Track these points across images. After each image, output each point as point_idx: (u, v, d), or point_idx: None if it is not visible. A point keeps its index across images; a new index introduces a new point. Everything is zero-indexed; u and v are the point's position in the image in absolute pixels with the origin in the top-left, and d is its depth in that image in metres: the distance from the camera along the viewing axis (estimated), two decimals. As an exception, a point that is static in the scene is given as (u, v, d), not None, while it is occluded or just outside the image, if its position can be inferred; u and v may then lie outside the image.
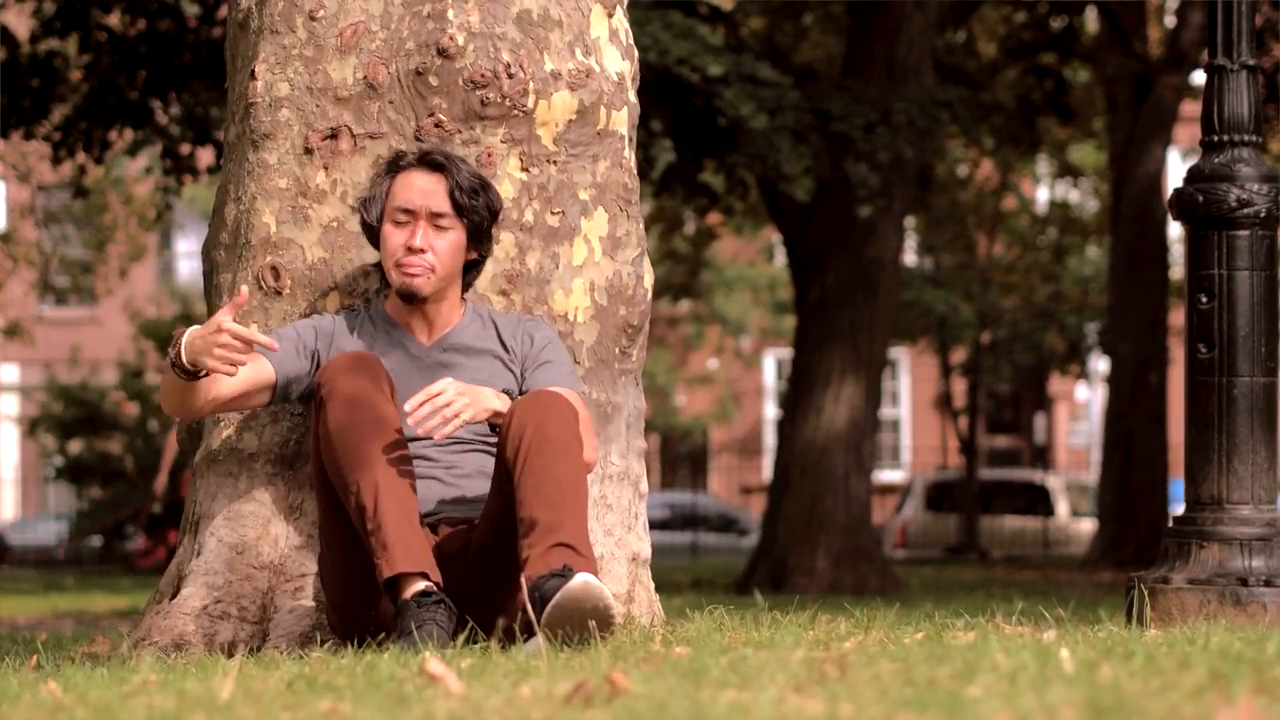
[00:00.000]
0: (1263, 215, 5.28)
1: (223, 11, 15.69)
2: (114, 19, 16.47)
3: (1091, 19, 23.80)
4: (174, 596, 4.88)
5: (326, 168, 4.90)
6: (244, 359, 4.44)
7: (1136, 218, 21.32)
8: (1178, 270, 25.03)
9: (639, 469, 5.14)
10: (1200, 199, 5.30)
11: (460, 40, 4.87)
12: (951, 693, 3.00)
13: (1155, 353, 21.31)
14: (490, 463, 4.63)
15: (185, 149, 16.80)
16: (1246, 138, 5.35)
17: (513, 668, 3.63)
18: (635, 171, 5.18)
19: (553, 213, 4.97)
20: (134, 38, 16.21)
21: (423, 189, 4.68)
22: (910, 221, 26.28)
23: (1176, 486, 15.49)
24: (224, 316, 4.42)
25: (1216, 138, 5.37)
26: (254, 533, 4.83)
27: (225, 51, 5.22)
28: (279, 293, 4.89)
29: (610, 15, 5.11)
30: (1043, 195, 33.96)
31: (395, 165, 4.74)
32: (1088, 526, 27.18)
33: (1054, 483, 29.71)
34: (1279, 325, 5.37)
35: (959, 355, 31.61)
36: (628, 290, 5.07)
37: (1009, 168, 28.65)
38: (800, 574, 16.54)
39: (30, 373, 36.55)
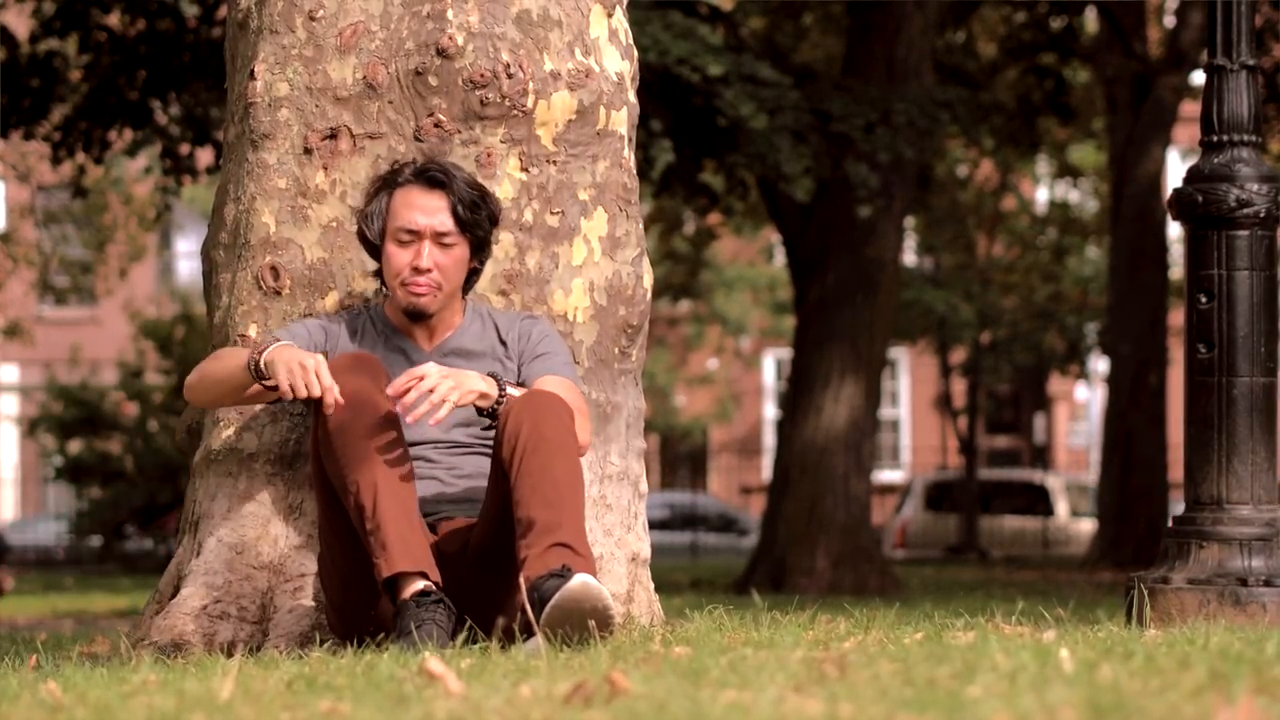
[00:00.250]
0: (1262, 215, 5.28)
1: (222, 11, 15.69)
2: (114, 19, 16.47)
3: (1091, 19, 23.80)
4: (173, 596, 4.88)
5: (326, 168, 4.90)
6: (307, 391, 4.42)
7: (1136, 218, 21.32)
8: (1177, 270, 25.02)
9: (638, 469, 5.13)
10: (1200, 199, 5.30)
11: (460, 40, 4.87)
12: (951, 693, 3.00)
13: (1155, 353, 21.31)
14: (489, 464, 4.63)
15: (185, 149, 16.80)
16: (1246, 138, 5.35)
17: (512, 668, 3.63)
18: (635, 171, 5.18)
19: (552, 213, 4.97)
20: (134, 38, 16.21)
21: (425, 208, 4.66)
22: (910, 222, 26.28)
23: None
24: (325, 371, 4.41)
25: (1216, 138, 5.37)
26: (253, 533, 4.83)
27: (225, 51, 5.22)
28: (278, 293, 4.89)
29: (610, 15, 5.11)
30: (1042, 195, 33.96)
31: (392, 180, 4.71)
32: (1087, 526, 27.18)
33: (1054, 483, 29.71)
34: (1279, 325, 5.36)
35: (959, 355, 31.61)
36: (627, 290, 5.07)
37: (1009, 168, 28.65)
38: (800, 574, 16.55)
39: (30, 373, 36.55)
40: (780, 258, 32.80)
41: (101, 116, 16.45)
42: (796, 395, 17.25)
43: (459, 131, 4.88)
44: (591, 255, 5.02)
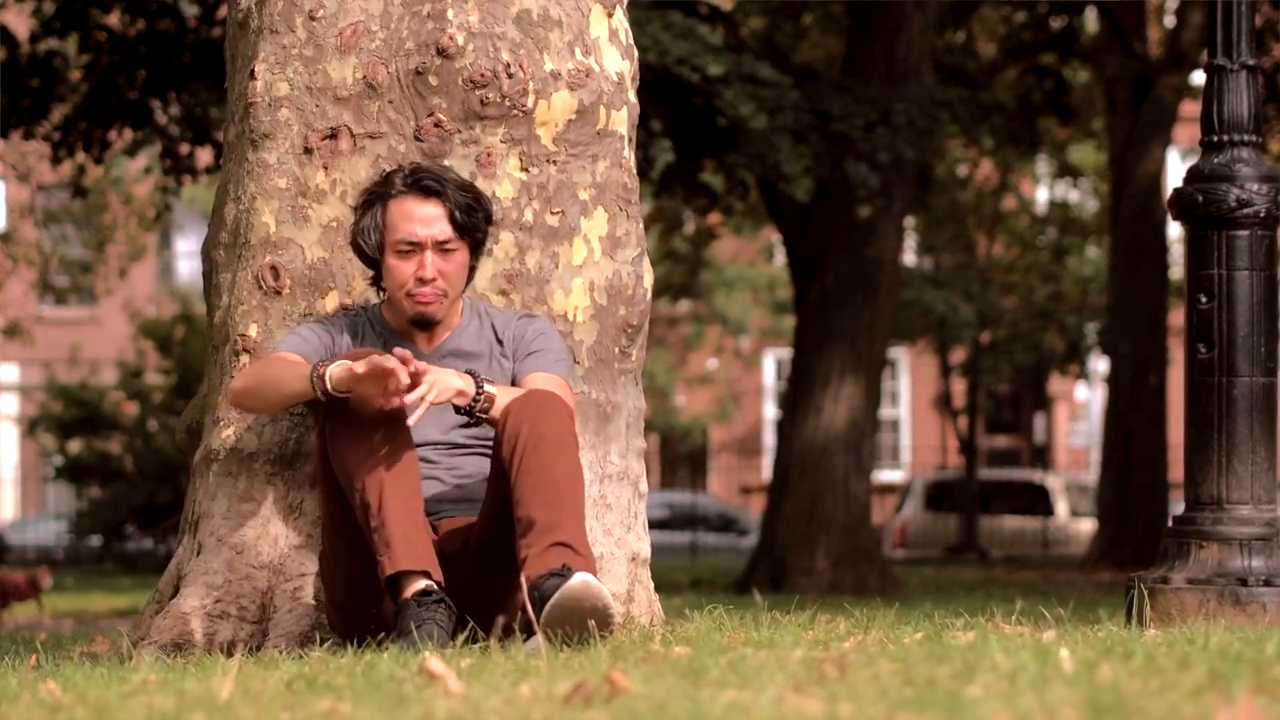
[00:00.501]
0: (1262, 215, 5.28)
1: (222, 11, 15.69)
2: (113, 19, 16.47)
3: (1091, 19, 23.80)
4: (173, 596, 4.88)
5: (326, 167, 4.90)
6: (401, 387, 4.41)
7: (1136, 218, 21.31)
8: (1177, 270, 25.03)
9: (638, 469, 5.13)
10: (1200, 199, 5.30)
11: (460, 40, 4.87)
12: (951, 693, 2.99)
13: (1155, 353, 21.31)
14: (489, 464, 4.63)
15: (185, 149, 16.80)
16: (1246, 138, 5.35)
17: (512, 667, 3.63)
18: (635, 171, 5.17)
19: (552, 212, 4.97)
20: (133, 38, 16.20)
21: (423, 219, 4.65)
22: (910, 221, 26.28)
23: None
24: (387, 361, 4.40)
25: (1216, 138, 5.36)
26: (253, 532, 4.83)
27: (225, 51, 5.22)
28: (278, 292, 4.89)
29: (610, 15, 5.11)
30: (1042, 195, 33.96)
31: (385, 191, 4.70)
32: (1087, 526, 27.18)
33: (1053, 483, 29.70)
34: (1279, 325, 5.36)
35: (959, 355, 31.61)
36: (627, 290, 5.07)
37: (1009, 168, 28.65)
38: (800, 574, 16.55)
39: (30, 372, 36.54)
40: (780, 257, 32.81)
41: (101, 116, 16.44)
42: (796, 395, 17.25)
43: (459, 131, 4.88)
44: (591, 255, 5.02)
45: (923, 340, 30.76)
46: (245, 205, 4.95)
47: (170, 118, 16.80)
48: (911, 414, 41.25)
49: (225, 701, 3.23)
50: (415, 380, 4.40)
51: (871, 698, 2.97)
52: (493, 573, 4.50)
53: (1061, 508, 29.03)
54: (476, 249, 4.73)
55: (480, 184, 4.86)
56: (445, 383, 4.46)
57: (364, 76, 4.88)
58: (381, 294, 4.80)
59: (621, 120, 5.08)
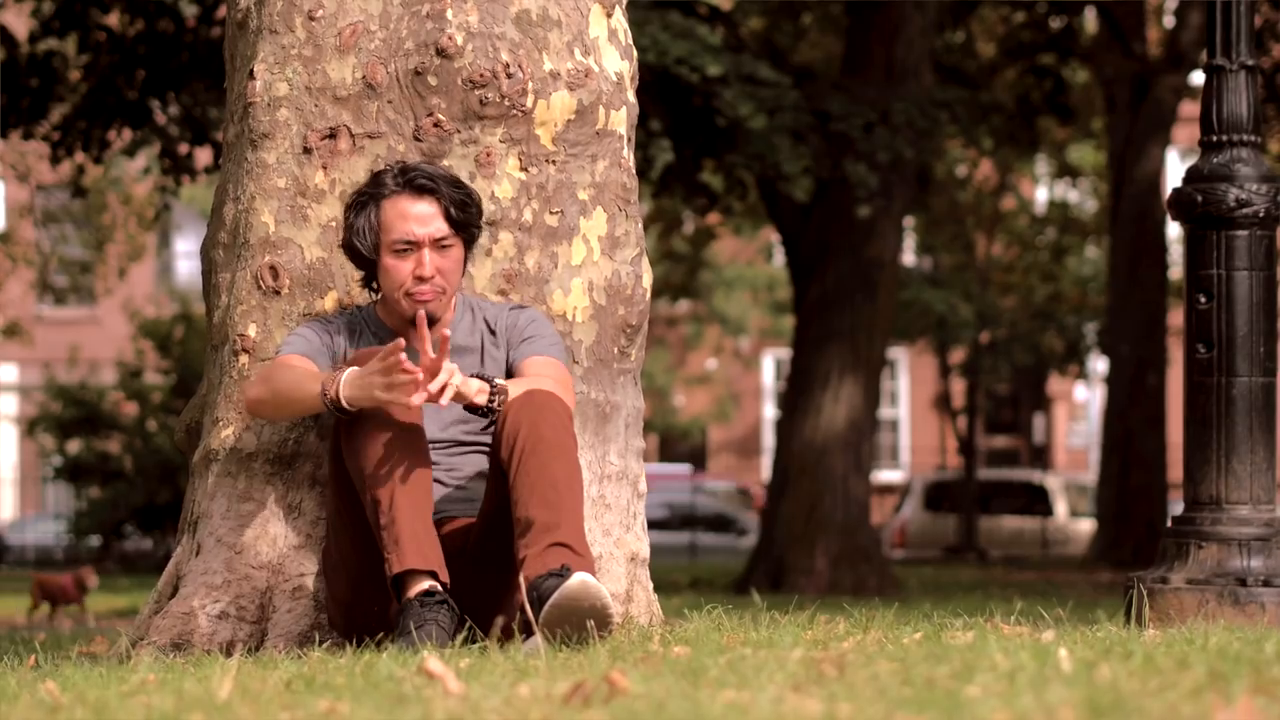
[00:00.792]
0: (1261, 215, 5.28)
1: (221, 11, 15.69)
2: (113, 19, 16.47)
3: (1090, 19, 23.81)
4: (172, 596, 4.88)
5: (325, 167, 4.90)
6: (417, 389, 4.41)
7: (1135, 218, 21.33)
8: (1176, 270, 25.04)
9: (637, 469, 5.13)
10: (1199, 199, 5.30)
11: (459, 40, 4.87)
12: (950, 692, 3.00)
13: (1154, 353, 21.32)
14: (488, 463, 4.63)
15: (184, 149, 16.81)
16: (1245, 138, 5.35)
17: (511, 667, 3.63)
18: (634, 171, 5.17)
19: (551, 212, 4.97)
20: (133, 38, 16.21)
21: (419, 217, 4.65)
22: (909, 222, 26.29)
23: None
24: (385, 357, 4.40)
25: (1215, 138, 5.37)
26: (252, 532, 4.83)
27: (224, 51, 5.22)
28: (278, 292, 4.89)
29: (609, 15, 5.11)
30: (1041, 195, 33.98)
31: (378, 191, 4.69)
32: (1086, 527, 27.19)
33: (1053, 483, 29.71)
34: (1277, 325, 5.37)
35: (958, 355, 31.62)
36: (626, 290, 5.07)
37: (1008, 168, 28.67)
38: (799, 574, 16.56)
39: (29, 372, 36.54)
40: (779, 257, 32.82)
41: (100, 116, 16.45)
42: (795, 395, 17.25)
43: (458, 131, 4.88)
44: (591, 255, 5.02)
45: (922, 340, 30.77)
46: (244, 205, 4.95)
47: (169, 118, 16.80)
48: (911, 414, 41.26)
49: (224, 701, 3.23)
50: (435, 368, 4.39)
51: (870, 697, 2.97)
52: (492, 573, 4.50)
53: (1061, 508, 29.03)
54: (470, 245, 4.74)
55: (479, 184, 4.86)
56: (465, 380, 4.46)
57: (363, 76, 4.88)
58: (374, 295, 4.80)
59: (621, 120, 5.08)
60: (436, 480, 4.65)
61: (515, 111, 4.90)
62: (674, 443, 41.67)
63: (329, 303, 4.88)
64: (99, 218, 27.33)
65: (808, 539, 16.73)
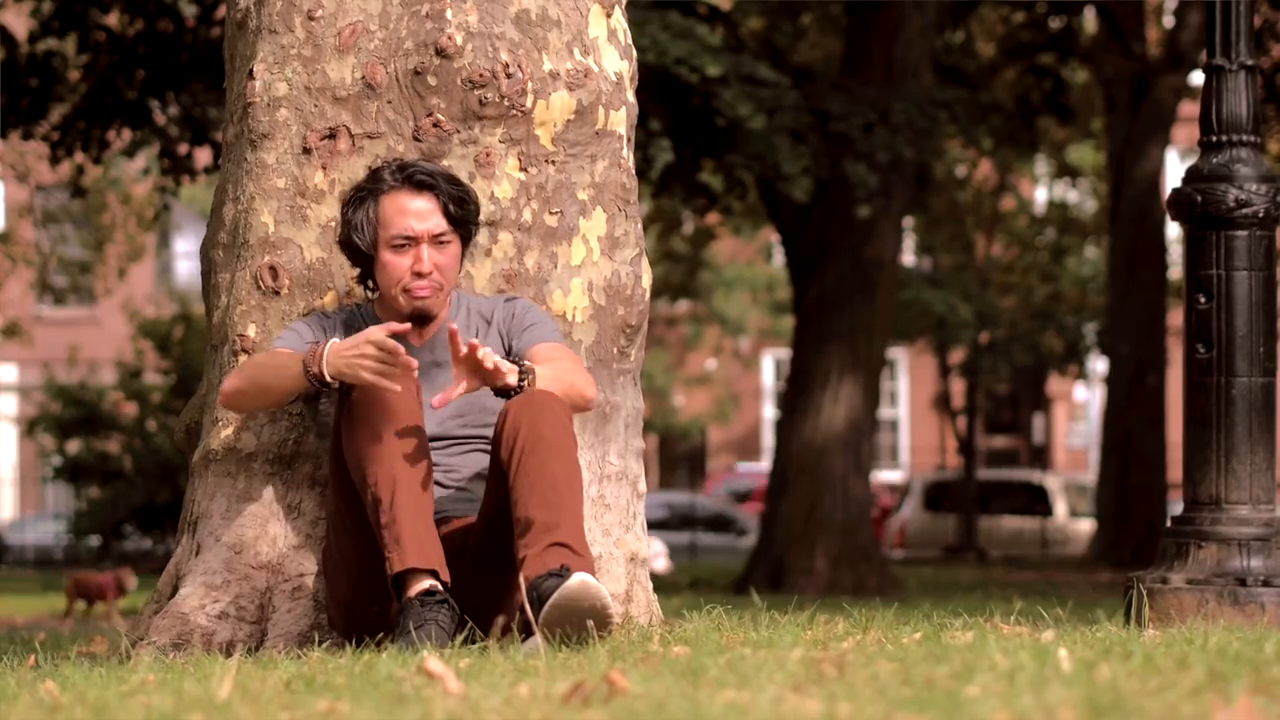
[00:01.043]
0: (1261, 215, 5.28)
1: (221, 11, 15.69)
2: (112, 19, 16.47)
3: (1090, 19, 23.81)
4: (172, 596, 4.88)
5: (325, 167, 4.90)
6: (399, 373, 4.40)
7: (1135, 218, 21.33)
8: (1176, 270, 25.05)
9: (637, 469, 5.13)
10: (1198, 199, 5.30)
11: (459, 40, 4.87)
12: (949, 692, 3.00)
13: (1153, 353, 21.32)
14: (488, 462, 4.63)
15: (183, 149, 16.81)
16: (1245, 138, 5.35)
17: (511, 667, 3.63)
18: (633, 171, 5.17)
19: (551, 213, 4.97)
20: (132, 38, 16.21)
21: (418, 213, 4.65)
22: (909, 222, 26.29)
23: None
24: (376, 334, 4.39)
25: (1215, 138, 5.37)
26: (252, 532, 4.83)
27: (223, 51, 5.22)
28: (277, 292, 4.89)
29: (609, 15, 5.11)
30: (1041, 195, 33.98)
31: (376, 186, 4.69)
32: (1086, 527, 27.19)
33: (1052, 483, 29.71)
34: (1277, 325, 5.37)
35: (957, 355, 31.62)
36: (626, 290, 5.07)
37: (1007, 168, 28.67)
38: (798, 574, 16.56)
39: (28, 373, 36.54)
40: (779, 258, 32.83)
41: (100, 116, 16.45)
42: (795, 395, 17.25)
43: (458, 131, 4.88)
44: (590, 255, 5.02)
45: (921, 340, 30.78)
46: (244, 205, 4.95)
47: (169, 118, 16.80)
48: (910, 414, 41.26)
49: (224, 701, 3.23)
50: (471, 352, 4.38)
51: (870, 697, 2.97)
52: (491, 573, 4.50)
53: (1060, 508, 29.04)
54: (466, 242, 4.74)
55: (479, 184, 4.86)
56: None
57: (363, 76, 4.88)
58: (369, 293, 4.79)
59: (620, 120, 5.08)
60: (435, 481, 4.65)
61: (515, 111, 4.90)
62: (674, 443, 41.67)
63: (328, 303, 4.88)
64: (99, 218, 27.34)
65: (807, 539, 16.73)
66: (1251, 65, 5.36)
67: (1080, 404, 40.68)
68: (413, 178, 4.66)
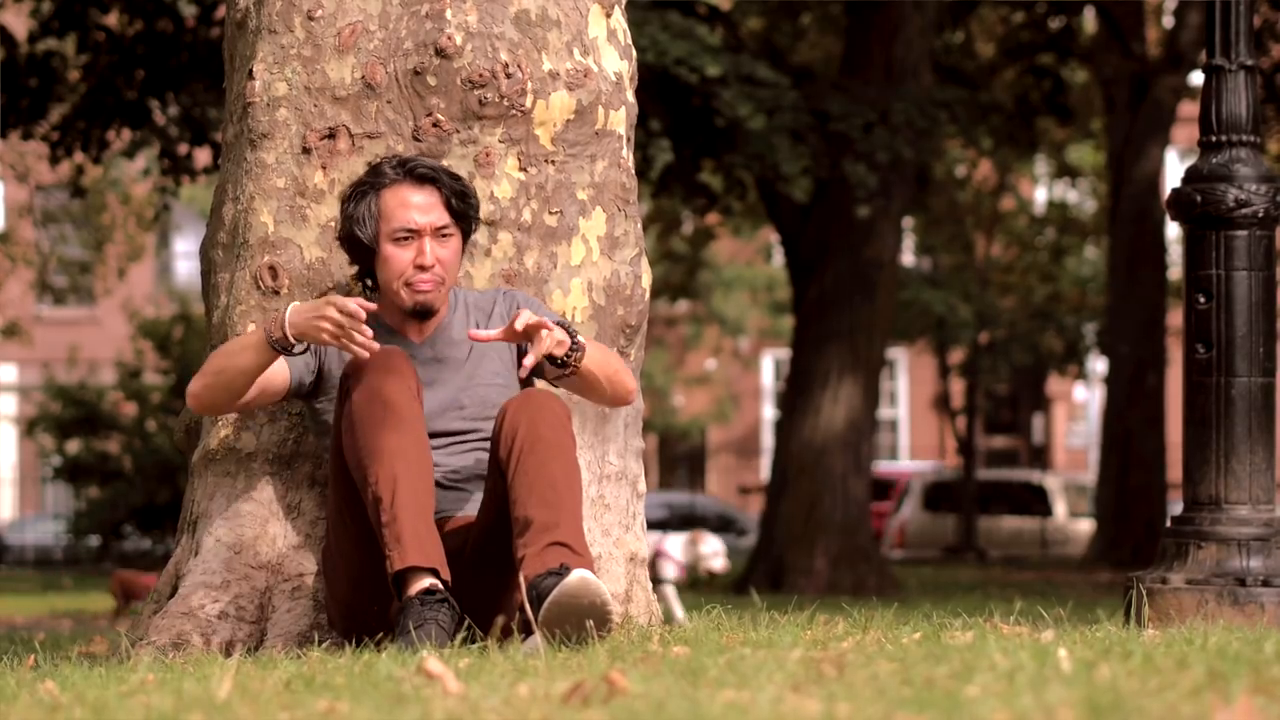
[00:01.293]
0: (1261, 215, 5.28)
1: (221, 11, 15.69)
2: (112, 19, 16.48)
3: (1090, 19, 23.81)
4: (171, 596, 4.88)
5: (324, 167, 4.90)
6: (363, 338, 4.40)
7: (1134, 218, 21.33)
8: (1176, 270, 25.05)
9: (637, 469, 5.14)
10: (1198, 199, 5.30)
11: (458, 40, 4.87)
12: (949, 692, 3.00)
13: (1153, 353, 21.32)
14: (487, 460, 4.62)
15: (183, 149, 16.81)
16: (1245, 138, 5.35)
17: (510, 667, 3.63)
18: (633, 171, 5.17)
19: (551, 212, 4.97)
20: (132, 38, 16.21)
21: (420, 206, 4.65)
22: (908, 222, 26.29)
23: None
24: (341, 299, 4.40)
25: (1214, 138, 5.37)
26: (252, 532, 4.83)
27: (223, 51, 5.22)
28: (277, 292, 4.89)
29: (608, 15, 5.11)
30: (1041, 195, 33.98)
31: (377, 180, 4.69)
32: (1086, 527, 27.19)
33: (1052, 483, 29.71)
34: (1277, 325, 5.37)
35: (957, 355, 31.63)
36: (625, 290, 5.07)
37: (1007, 168, 28.67)
38: (798, 574, 16.56)
39: (28, 373, 36.55)
40: (779, 258, 32.82)
41: (100, 116, 16.45)
42: (795, 395, 17.25)
43: (457, 131, 4.89)
44: (590, 255, 5.02)
45: (921, 340, 30.78)
46: (243, 205, 4.95)
47: (168, 118, 16.81)
48: (910, 414, 41.26)
49: (223, 701, 3.23)
50: (532, 330, 4.40)
51: (870, 697, 2.97)
52: (491, 573, 4.50)
53: (1060, 508, 29.04)
54: (466, 238, 4.75)
55: (479, 184, 4.87)
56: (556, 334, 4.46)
57: (362, 76, 4.88)
58: (368, 291, 4.79)
59: (620, 120, 5.08)
60: (435, 480, 4.65)
61: (514, 111, 4.90)
62: (674, 443, 41.68)
63: (328, 303, 4.88)
64: (98, 218, 27.34)
65: (807, 539, 16.74)
66: (1251, 65, 5.36)
67: (1080, 404, 40.69)
68: (414, 171, 4.66)
